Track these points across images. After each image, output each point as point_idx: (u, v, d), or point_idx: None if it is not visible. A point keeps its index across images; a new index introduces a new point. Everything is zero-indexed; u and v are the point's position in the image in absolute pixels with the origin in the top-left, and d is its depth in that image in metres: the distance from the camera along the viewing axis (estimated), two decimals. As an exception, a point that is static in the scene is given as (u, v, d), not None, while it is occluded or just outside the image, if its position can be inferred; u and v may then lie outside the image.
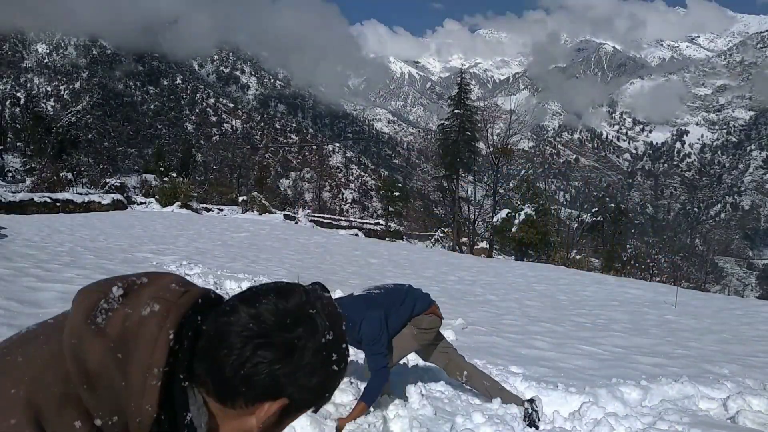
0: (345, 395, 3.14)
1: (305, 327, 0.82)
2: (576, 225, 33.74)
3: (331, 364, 0.84)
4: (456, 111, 32.09)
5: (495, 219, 28.34)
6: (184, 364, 0.80)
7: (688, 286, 23.99)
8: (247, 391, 0.80)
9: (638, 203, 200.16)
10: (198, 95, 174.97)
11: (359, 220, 36.95)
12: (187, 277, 4.90)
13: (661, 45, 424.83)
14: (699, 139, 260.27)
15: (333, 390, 0.90)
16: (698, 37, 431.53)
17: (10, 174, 30.53)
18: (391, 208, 34.52)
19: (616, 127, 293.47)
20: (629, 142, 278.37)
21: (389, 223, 33.17)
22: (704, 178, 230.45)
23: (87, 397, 0.77)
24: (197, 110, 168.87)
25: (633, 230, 38.62)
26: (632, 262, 29.50)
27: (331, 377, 0.85)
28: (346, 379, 3.03)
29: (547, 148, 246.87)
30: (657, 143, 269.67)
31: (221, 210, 28.57)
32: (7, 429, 0.76)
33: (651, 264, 30.28)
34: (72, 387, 0.77)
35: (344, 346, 0.87)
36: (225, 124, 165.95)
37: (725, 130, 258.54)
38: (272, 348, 0.79)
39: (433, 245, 29.65)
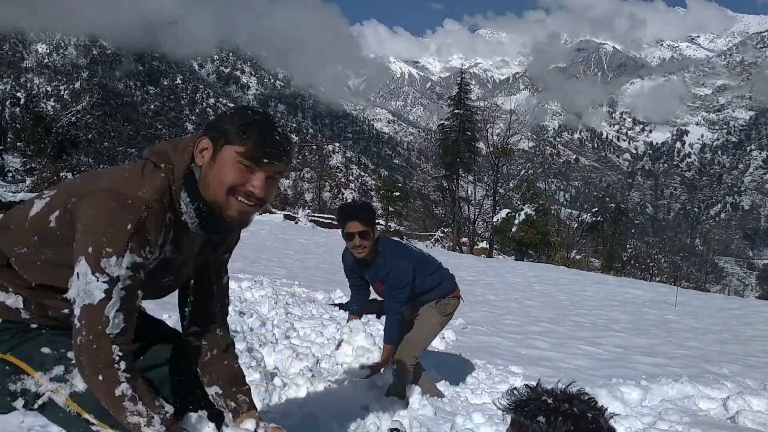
0: (367, 340, 3.12)
1: None
2: (576, 225, 33.74)
3: None
4: (456, 111, 32.09)
5: (495, 219, 28.35)
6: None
7: (688, 286, 24.00)
8: None
9: (638, 203, 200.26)
10: (198, 95, 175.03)
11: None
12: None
13: (661, 45, 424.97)
14: (699, 139, 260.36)
15: None
16: (698, 37, 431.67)
17: (10, 174, 30.54)
18: (391, 208, 34.52)
19: (616, 127, 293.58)
20: (629, 142, 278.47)
21: (389, 223, 33.17)
22: (704, 178, 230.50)
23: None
24: (197, 110, 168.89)
25: (633, 230, 38.69)
26: (632, 262, 29.53)
27: None
28: (363, 331, 3.11)
29: (547, 148, 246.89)
30: (657, 143, 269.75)
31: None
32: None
33: (651, 264, 30.32)
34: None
35: None
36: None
37: (725, 130, 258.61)
38: None
39: (433, 245, 29.63)
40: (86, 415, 1.43)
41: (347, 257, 3.26)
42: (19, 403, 1.50)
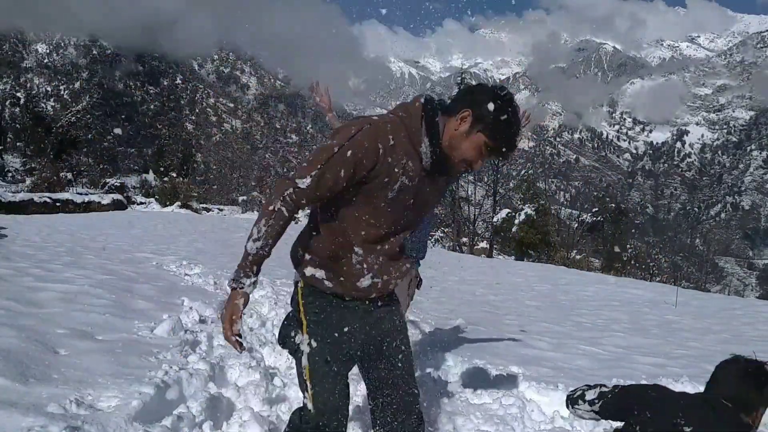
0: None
1: None
2: (576, 225, 33.72)
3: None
4: (456, 111, 32.06)
5: (495, 219, 28.33)
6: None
7: (688, 286, 23.98)
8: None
9: (638, 203, 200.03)
10: (198, 95, 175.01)
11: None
12: (186, 277, 4.90)
13: (661, 45, 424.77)
14: (699, 139, 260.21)
15: None
16: (698, 37, 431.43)
17: (10, 174, 30.52)
18: (391, 208, 34.44)
19: (617, 127, 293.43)
20: (629, 142, 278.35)
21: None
22: (704, 178, 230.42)
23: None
24: (197, 110, 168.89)
25: (633, 230, 38.62)
26: (632, 262, 29.50)
27: None
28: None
29: (547, 148, 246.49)
30: (657, 143, 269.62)
31: (221, 210, 28.57)
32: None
33: (651, 264, 30.30)
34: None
35: None
36: (225, 124, 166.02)
37: (725, 130, 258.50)
38: None
39: (433, 245, 29.63)
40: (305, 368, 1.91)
41: None
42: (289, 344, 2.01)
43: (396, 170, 1.75)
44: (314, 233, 1.96)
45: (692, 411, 1.99)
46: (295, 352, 1.95)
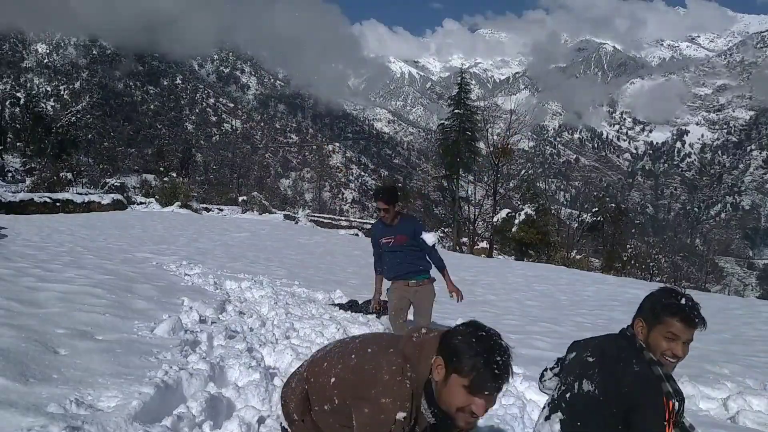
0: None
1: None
2: (576, 225, 33.70)
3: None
4: (456, 111, 32.05)
5: (495, 219, 28.32)
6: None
7: (688, 286, 23.98)
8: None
9: (638, 203, 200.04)
10: (198, 95, 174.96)
11: (359, 220, 36.92)
12: (186, 277, 4.90)
13: (661, 45, 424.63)
14: (699, 139, 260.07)
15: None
16: (698, 36, 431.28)
17: (10, 174, 30.51)
18: (391, 208, 34.43)
19: (617, 126, 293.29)
20: (629, 142, 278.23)
21: (389, 223, 33.10)
22: (704, 178, 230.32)
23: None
24: (197, 110, 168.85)
25: (633, 230, 38.59)
26: (632, 262, 29.48)
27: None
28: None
29: (547, 148, 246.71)
30: (657, 143, 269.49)
31: (221, 210, 28.56)
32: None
33: (651, 264, 30.27)
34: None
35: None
36: (225, 124, 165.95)
37: (725, 130, 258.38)
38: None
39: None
40: None
41: (374, 228, 4.80)
42: None
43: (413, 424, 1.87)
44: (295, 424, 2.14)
45: (596, 343, 2.35)
46: None
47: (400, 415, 1.79)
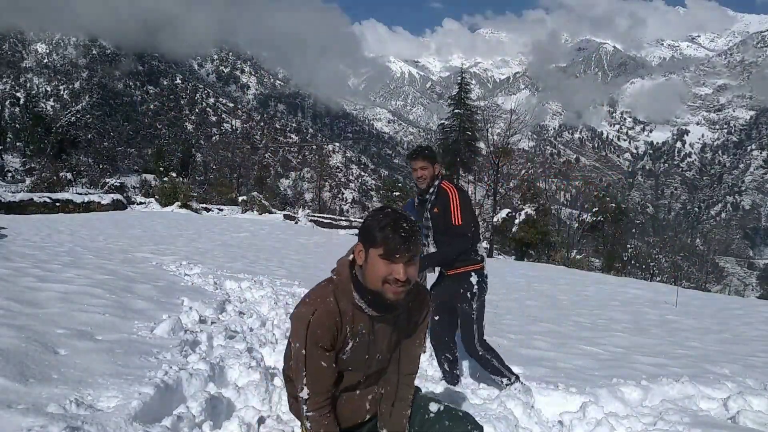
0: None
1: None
2: (576, 225, 33.70)
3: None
4: (456, 111, 32.06)
5: (495, 219, 28.32)
6: None
7: (688, 286, 23.99)
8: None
9: (638, 203, 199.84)
10: (198, 95, 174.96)
11: (359, 220, 36.92)
12: (186, 277, 4.90)
13: (662, 44, 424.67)
14: (699, 139, 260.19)
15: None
16: (698, 36, 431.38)
17: (10, 174, 30.53)
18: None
19: (617, 126, 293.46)
20: (630, 142, 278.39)
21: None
22: (705, 178, 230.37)
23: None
24: (197, 110, 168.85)
25: (633, 230, 38.57)
26: (633, 262, 29.49)
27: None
28: None
29: (548, 147, 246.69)
30: (657, 143, 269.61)
31: (221, 210, 28.56)
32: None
33: (651, 264, 30.26)
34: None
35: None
36: (225, 124, 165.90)
37: (726, 130, 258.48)
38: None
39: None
40: None
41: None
42: None
43: (348, 332, 2.05)
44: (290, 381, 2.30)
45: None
46: None
47: (314, 315, 1.98)
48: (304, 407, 2.06)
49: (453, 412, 2.22)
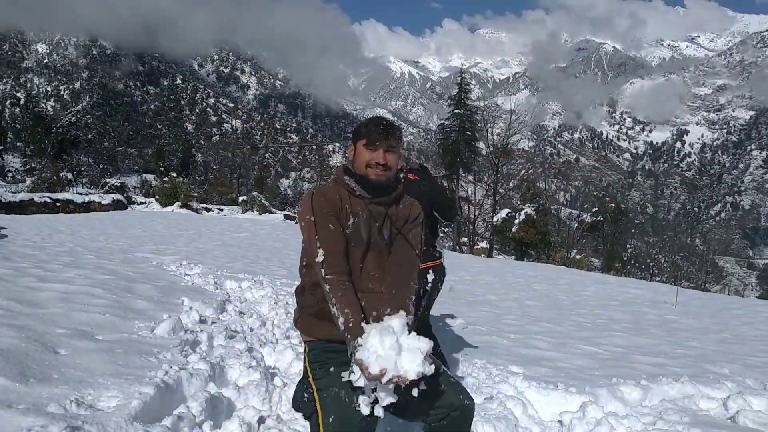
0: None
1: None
2: (576, 225, 33.72)
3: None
4: (456, 111, 32.05)
5: (495, 219, 28.32)
6: None
7: (688, 286, 24.01)
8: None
9: (638, 203, 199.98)
10: (198, 95, 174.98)
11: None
12: (186, 277, 4.90)
13: (661, 45, 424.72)
14: (699, 139, 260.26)
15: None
16: (698, 36, 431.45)
17: (10, 174, 30.53)
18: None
19: (616, 126, 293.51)
20: (629, 142, 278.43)
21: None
22: (704, 178, 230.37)
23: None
24: (197, 110, 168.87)
25: (633, 230, 38.62)
26: (632, 262, 29.52)
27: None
28: None
29: (547, 147, 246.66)
30: (657, 143, 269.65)
31: (221, 210, 28.57)
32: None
33: (651, 264, 30.30)
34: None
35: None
36: (225, 124, 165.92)
37: (725, 130, 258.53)
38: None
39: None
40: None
41: None
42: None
43: (349, 210, 2.28)
44: (302, 292, 2.41)
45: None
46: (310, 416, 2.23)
47: (317, 191, 2.27)
48: (322, 271, 2.16)
49: (451, 378, 2.23)
